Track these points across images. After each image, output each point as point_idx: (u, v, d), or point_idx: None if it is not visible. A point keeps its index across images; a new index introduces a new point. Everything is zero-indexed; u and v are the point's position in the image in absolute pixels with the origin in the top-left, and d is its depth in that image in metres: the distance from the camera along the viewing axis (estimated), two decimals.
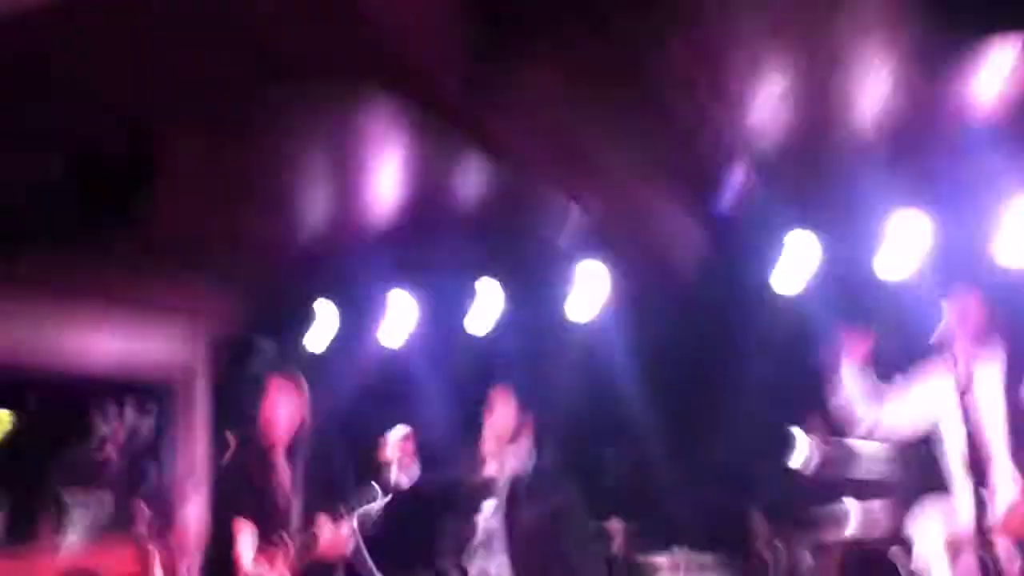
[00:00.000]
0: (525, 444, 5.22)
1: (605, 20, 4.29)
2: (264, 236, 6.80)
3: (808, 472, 6.00)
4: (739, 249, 6.59)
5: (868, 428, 4.45)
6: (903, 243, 5.97)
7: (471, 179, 6.03)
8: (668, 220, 6.19)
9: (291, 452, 5.05)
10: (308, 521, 4.84)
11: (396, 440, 4.78)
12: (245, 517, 4.98)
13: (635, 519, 5.98)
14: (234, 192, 6.06)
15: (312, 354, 7.47)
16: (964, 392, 3.93)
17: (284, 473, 5.01)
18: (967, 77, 5.03)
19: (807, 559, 5.62)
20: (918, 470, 4.90)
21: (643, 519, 6.02)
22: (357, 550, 4.94)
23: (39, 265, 6.09)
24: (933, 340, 4.08)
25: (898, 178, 5.75)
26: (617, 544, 6.01)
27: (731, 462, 6.46)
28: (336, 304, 7.52)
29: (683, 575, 5.71)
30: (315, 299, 7.52)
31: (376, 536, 4.94)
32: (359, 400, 7.14)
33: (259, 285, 7.66)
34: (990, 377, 4.04)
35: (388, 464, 4.73)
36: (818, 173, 6.04)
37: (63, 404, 7.02)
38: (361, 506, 4.83)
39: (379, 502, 4.85)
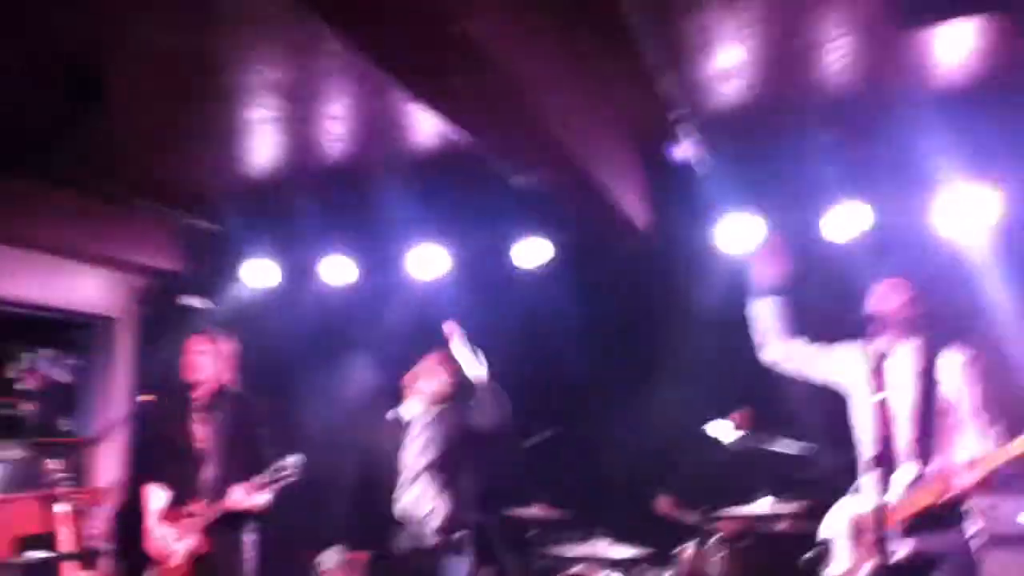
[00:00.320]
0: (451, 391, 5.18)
1: None
2: (196, 187, 6.62)
3: (725, 457, 6.04)
4: (684, 215, 6.52)
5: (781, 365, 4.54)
6: (844, 218, 6.01)
7: (415, 132, 5.88)
8: (613, 180, 6.09)
9: (211, 412, 4.97)
10: (223, 484, 4.78)
11: None
12: (158, 477, 4.94)
13: (556, 505, 5.93)
14: (168, 137, 5.88)
15: (239, 312, 7.25)
16: (877, 375, 3.94)
17: (202, 434, 4.94)
18: (913, 59, 5.02)
19: (718, 547, 5.63)
20: (832, 463, 4.96)
21: (564, 505, 5.95)
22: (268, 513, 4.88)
23: None
24: (859, 317, 4.09)
25: (842, 156, 5.74)
26: (535, 532, 5.97)
27: (650, 447, 6.45)
28: (268, 260, 7.34)
29: (600, 565, 5.67)
30: (246, 255, 7.32)
31: (297, 489, 4.87)
32: (286, 361, 7.06)
33: (188, 238, 7.53)
34: (904, 361, 4.11)
35: None
36: (765, 145, 6.00)
37: None
38: (280, 468, 4.77)
39: (298, 461, 4.79)
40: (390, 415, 5.24)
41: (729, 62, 5.04)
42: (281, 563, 5.40)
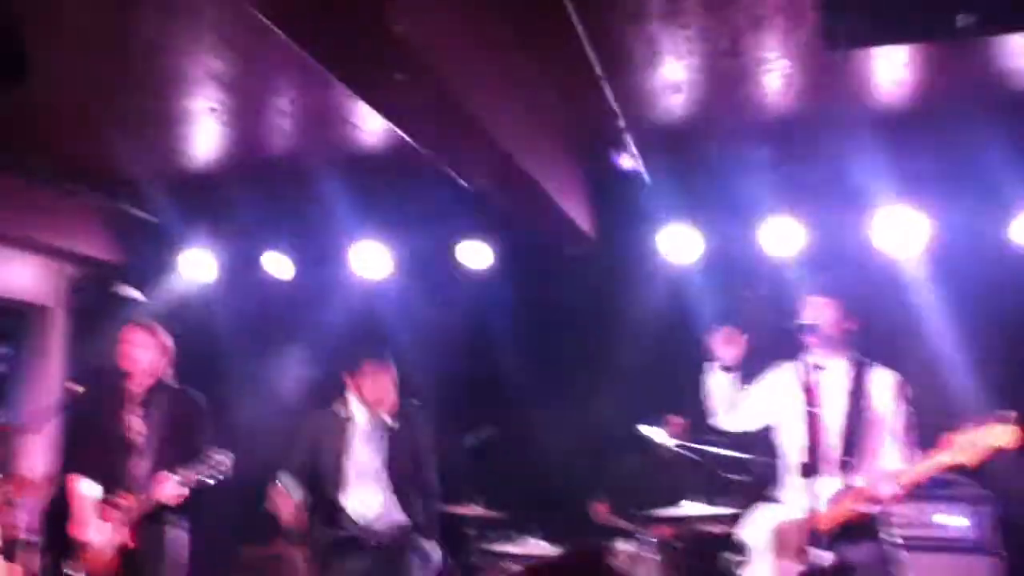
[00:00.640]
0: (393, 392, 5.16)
1: None
2: (130, 175, 6.50)
3: (660, 460, 6.13)
4: (626, 223, 6.61)
5: (722, 428, 4.59)
6: (779, 234, 6.15)
7: (359, 129, 5.86)
8: (556, 186, 6.14)
9: (146, 405, 4.92)
10: (154, 477, 4.73)
11: None
12: (88, 469, 4.86)
13: (490, 504, 5.95)
14: (100, 121, 5.75)
15: (176, 304, 7.16)
16: (808, 390, 4.11)
17: (136, 426, 4.88)
18: (848, 83, 5.12)
19: (652, 549, 5.70)
20: (760, 471, 5.06)
21: (498, 504, 5.94)
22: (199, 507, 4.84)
23: None
24: (791, 335, 4.19)
25: (779, 173, 5.87)
26: (469, 530, 5.98)
27: (586, 449, 6.53)
28: (207, 251, 7.25)
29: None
30: (184, 246, 7.23)
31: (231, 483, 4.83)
32: (223, 354, 7.00)
33: (124, 227, 7.40)
34: (836, 376, 4.20)
35: None
36: (704, 159, 6.11)
37: None
38: (213, 462, 4.73)
39: (231, 455, 4.76)
40: (335, 408, 5.18)
41: (672, 76, 5.10)
42: (211, 558, 5.36)
